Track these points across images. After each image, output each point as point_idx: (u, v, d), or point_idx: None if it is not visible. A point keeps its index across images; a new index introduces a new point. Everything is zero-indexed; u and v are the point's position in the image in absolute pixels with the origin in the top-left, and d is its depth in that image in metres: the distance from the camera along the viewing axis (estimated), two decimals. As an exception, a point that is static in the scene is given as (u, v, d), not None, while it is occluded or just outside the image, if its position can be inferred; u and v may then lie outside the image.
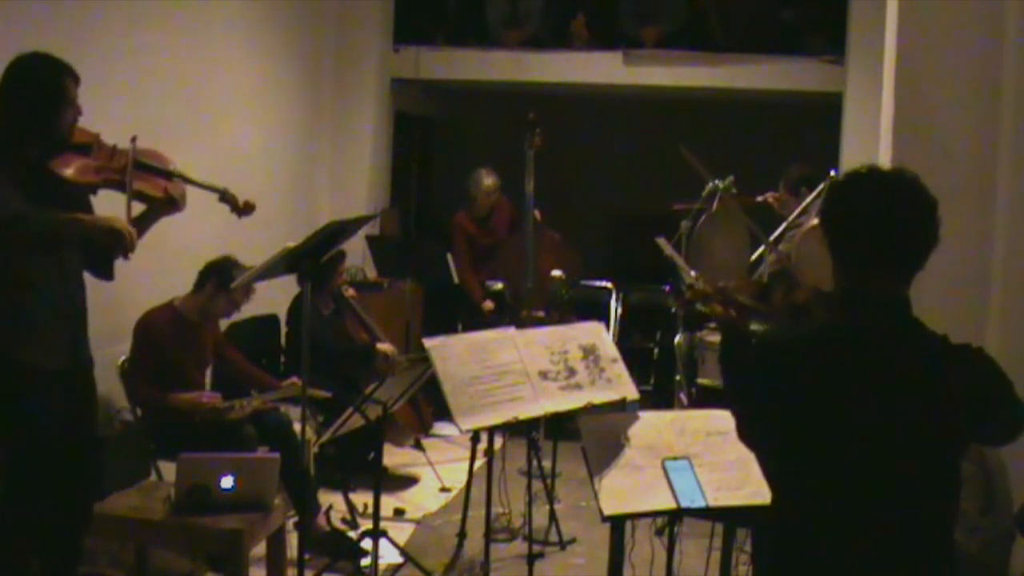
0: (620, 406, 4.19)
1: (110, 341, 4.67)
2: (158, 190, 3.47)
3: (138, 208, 3.52)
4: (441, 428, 6.37)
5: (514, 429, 4.63)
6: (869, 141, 5.72)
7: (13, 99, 3.27)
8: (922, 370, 2.08)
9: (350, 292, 6.02)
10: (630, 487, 3.19)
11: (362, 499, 5.17)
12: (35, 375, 3.30)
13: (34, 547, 3.41)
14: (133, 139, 3.47)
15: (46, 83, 3.28)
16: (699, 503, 3.19)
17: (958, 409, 2.07)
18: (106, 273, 3.61)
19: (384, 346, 5.75)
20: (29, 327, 3.30)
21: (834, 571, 2.10)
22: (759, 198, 5.77)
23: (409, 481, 5.99)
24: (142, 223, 3.52)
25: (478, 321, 6.34)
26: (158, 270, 5.09)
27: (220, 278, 4.63)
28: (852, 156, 6.78)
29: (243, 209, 3.70)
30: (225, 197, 3.68)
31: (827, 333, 2.14)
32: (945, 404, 2.06)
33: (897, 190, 2.10)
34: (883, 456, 2.06)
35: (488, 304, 6.66)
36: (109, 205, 3.54)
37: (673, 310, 2.70)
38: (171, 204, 3.49)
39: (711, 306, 2.43)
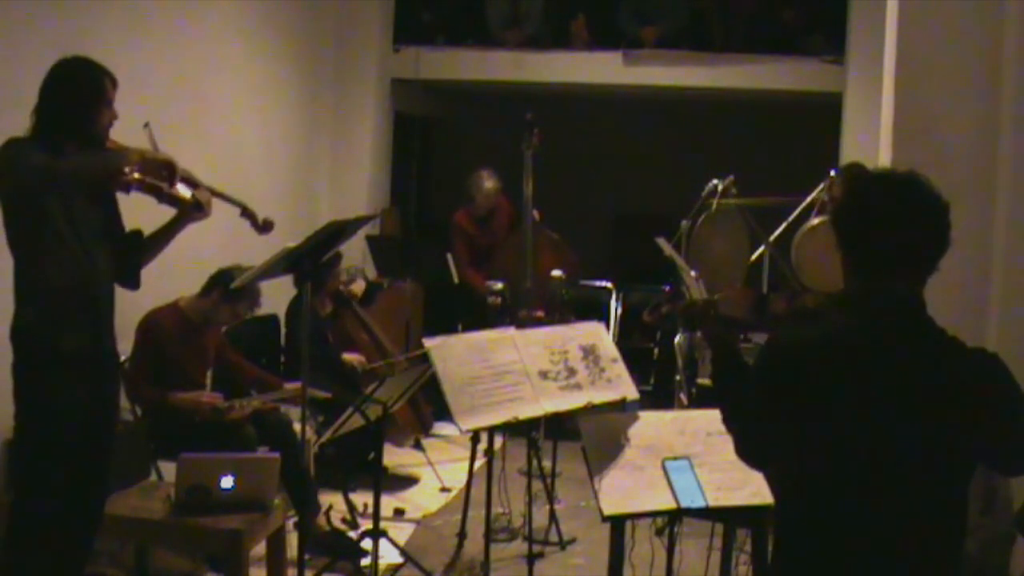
0: (620, 406, 4.19)
1: (110, 341, 4.68)
2: (187, 194, 3.57)
3: (168, 213, 3.64)
4: (441, 428, 6.37)
5: (514, 429, 4.63)
6: (869, 141, 5.72)
7: (55, 97, 3.40)
8: (936, 372, 2.07)
9: (357, 288, 6.03)
10: (630, 487, 3.19)
11: (362, 499, 5.16)
12: (58, 357, 3.36)
13: (46, 542, 3.43)
14: (146, 124, 3.61)
15: (86, 83, 3.41)
16: (699, 503, 3.19)
17: (969, 416, 2.06)
18: (132, 281, 3.70)
19: (351, 356, 5.74)
20: (52, 309, 3.37)
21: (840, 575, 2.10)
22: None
23: (409, 481, 5.99)
24: (171, 227, 3.67)
25: (479, 321, 6.33)
26: (159, 271, 5.07)
27: (226, 288, 4.62)
28: (852, 156, 6.76)
29: (263, 226, 3.81)
30: (246, 212, 3.79)
31: (841, 333, 2.11)
32: (957, 408, 2.05)
33: (914, 192, 2.09)
34: (894, 458, 2.04)
35: (495, 300, 6.64)
36: (138, 208, 3.63)
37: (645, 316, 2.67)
38: (199, 209, 3.60)
39: (701, 321, 2.41)
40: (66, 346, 3.38)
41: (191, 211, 3.60)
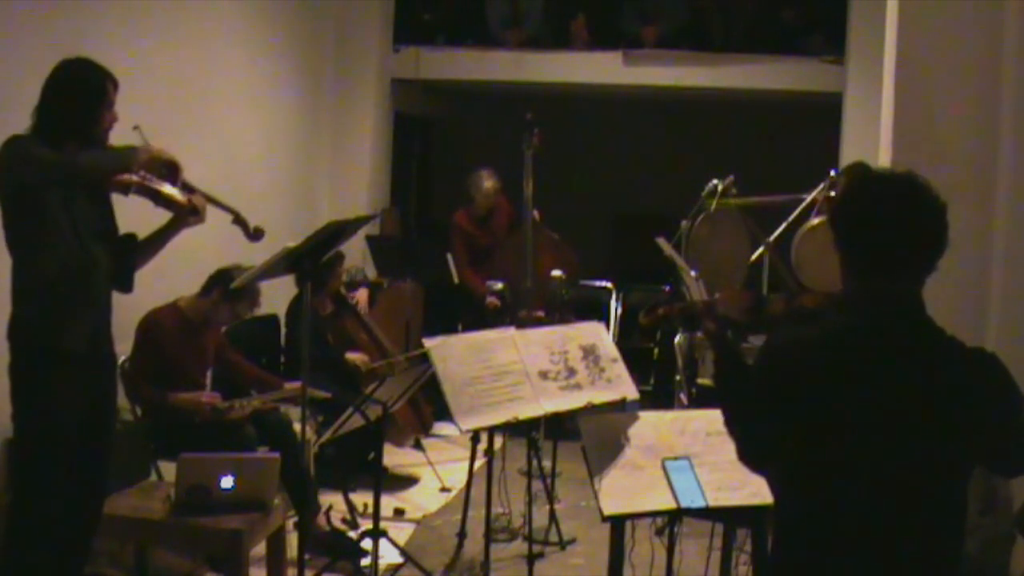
0: (620, 406, 4.19)
1: (110, 341, 4.68)
2: (184, 198, 3.58)
3: (165, 216, 3.65)
4: (441, 428, 6.37)
5: (514, 429, 4.63)
6: (869, 141, 5.72)
7: (57, 97, 3.41)
8: (934, 372, 2.07)
9: (361, 299, 6.04)
10: (630, 487, 3.19)
11: (362, 499, 5.16)
12: (56, 356, 3.37)
13: (47, 542, 3.43)
14: (136, 127, 3.60)
15: (89, 85, 3.43)
16: (699, 503, 3.19)
17: (967, 415, 2.06)
18: (126, 284, 3.70)
19: (355, 356, 5.74)
20: (51, 307, 3.38)
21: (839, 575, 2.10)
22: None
23: (409, 481, 5.99)
24: (166, 231, 3.68)
25: (479, 321, 6.34)
26: (157, 271, 5.07)
27: (225, 287, 4.62)
28: (852, 156, 6.76)
29: (254, 234, 3.83)
30: (238, 219, 3.81)
31: (839, 333, 2.11)
32: (955, 408, 2.05)
33: (911, 192, 2.09)
34: (892, 457, 2.04)
35: (493, 300, 6.65)
36: (137, 211, 3.63)
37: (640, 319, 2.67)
38: (194, 213, 3.62)
39: (704, 324, 2.41)
40: (64, 345, 3.39)
41: (187, 215, 3.61)
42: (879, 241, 2.08)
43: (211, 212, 3.81)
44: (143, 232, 3.72)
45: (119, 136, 3.57)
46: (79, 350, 3.42)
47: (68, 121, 3.40)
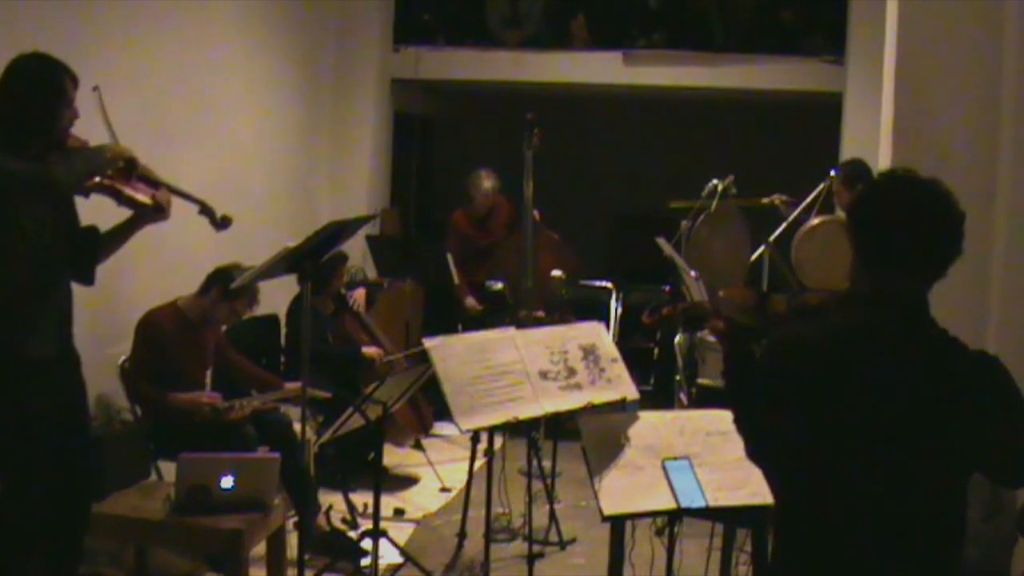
0: (620, 406, 4.19)
1: (110, 341, 4.68)
2: (147, 196, 3.51)
3: (126, 214, 3.57)
4: (441, 428, 6.37)
5: (514, 429, 4.63)
6: (869, 141, 5.71)
7: (13, 97, 3.28)
8: (936, 371, 2.07)
9: (359, 298, 6.04)
10: (630, 487, 3.19)
11: (362, 499, 5.16)
12: (26, 364, 3.31)
13: (34, 547, 3.41)
14: (95, 88, 3.51)
15: (46, 83, 3.29)
16: (699, 503, 3.19)
17: (966, 416, 2.06)
18: (87, 277, 3.61)
19: (370, 350, 5.74)
20: (20, 315, 3.31)
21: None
22: (765, 200, 5.72)
23: (409, 481, 5.99)
24: (128, 228, 3.58)
25: (478, 321, 6.34)
26: (157, 271, 5.10)
27: (225, 285, 4.61)
28: (852, 156, 6.78)
29: (220, 223, 3.74)
30: (204, 209, 3.72)
31: (842, 330, 2.12)
32: (956, 408, 2.05)
33: (937, 198, 2.10)
34: (893, 455, 2.04)
35: (470, 300, 6.66)
36: (103, 210, 3.60)
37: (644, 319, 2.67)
38: (158, 211, 3.53)
39: (712, 323, 2.41)
40: (32, 352, 3.32)
41: (150, 213, 3.53)
42: (897, 240, 2.08)
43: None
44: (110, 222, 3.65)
45: (126, 133, 3.54)
46: (47, 355, 3.36)
47: (27, 122, 3.27)
